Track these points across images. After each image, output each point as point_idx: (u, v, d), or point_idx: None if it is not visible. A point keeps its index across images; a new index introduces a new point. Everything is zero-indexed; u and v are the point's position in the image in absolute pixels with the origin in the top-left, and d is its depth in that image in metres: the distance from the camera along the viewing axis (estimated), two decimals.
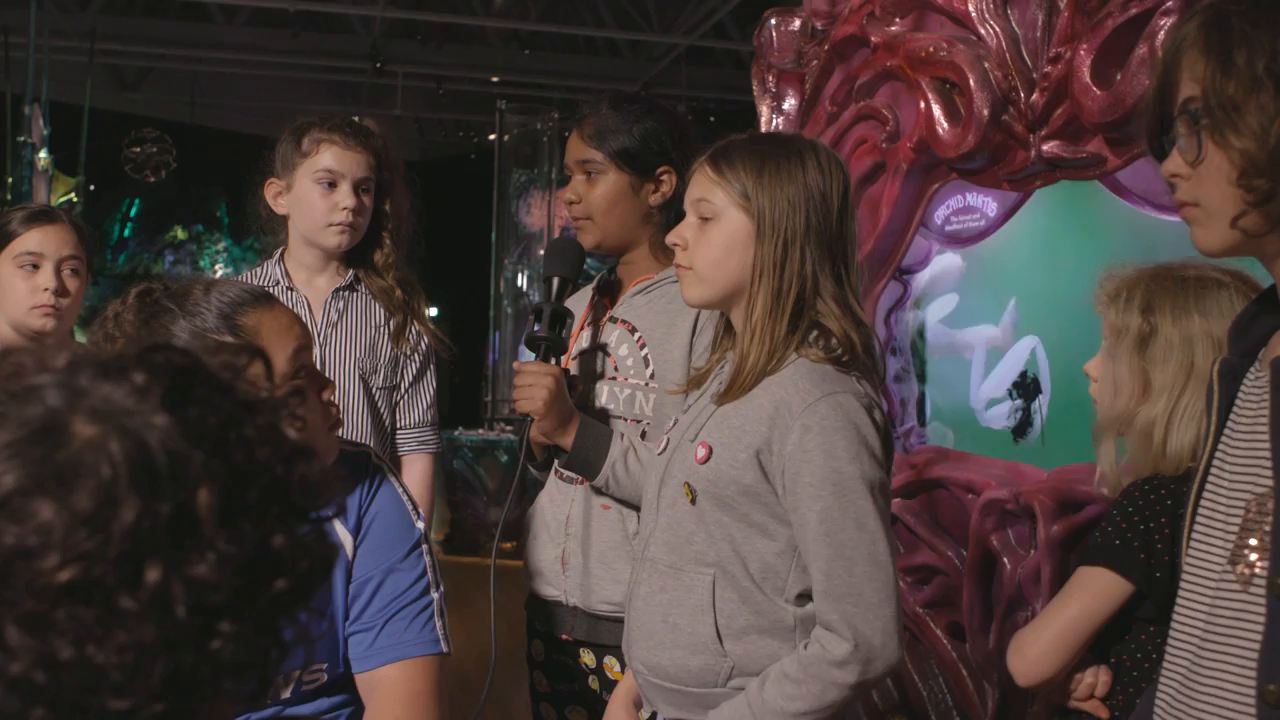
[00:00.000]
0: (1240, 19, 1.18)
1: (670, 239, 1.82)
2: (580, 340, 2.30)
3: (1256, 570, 1.20)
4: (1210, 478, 1.29)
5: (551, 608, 2.25)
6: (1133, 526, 1.74)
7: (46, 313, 2.51)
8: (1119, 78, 2.33)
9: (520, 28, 10.21)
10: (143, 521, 0.71)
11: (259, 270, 2.66)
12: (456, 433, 8.25)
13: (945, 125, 2.70)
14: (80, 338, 3.03)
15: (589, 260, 2.42)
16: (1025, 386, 2.96)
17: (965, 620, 2.71)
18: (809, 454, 1.64)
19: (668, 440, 1.85)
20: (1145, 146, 1.31)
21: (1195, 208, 1.24)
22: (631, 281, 2.28)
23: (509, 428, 8.82)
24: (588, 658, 2.22)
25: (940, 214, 3.02)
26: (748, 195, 1.73)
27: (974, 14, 2.67)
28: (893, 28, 2.90)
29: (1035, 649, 1.79)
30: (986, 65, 2.61)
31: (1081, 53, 2.40)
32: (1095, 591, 1.76)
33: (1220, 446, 1.29)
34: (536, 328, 2.16)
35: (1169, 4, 2.25)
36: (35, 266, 2.48)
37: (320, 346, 2.52)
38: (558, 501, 2.25)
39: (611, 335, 2.25)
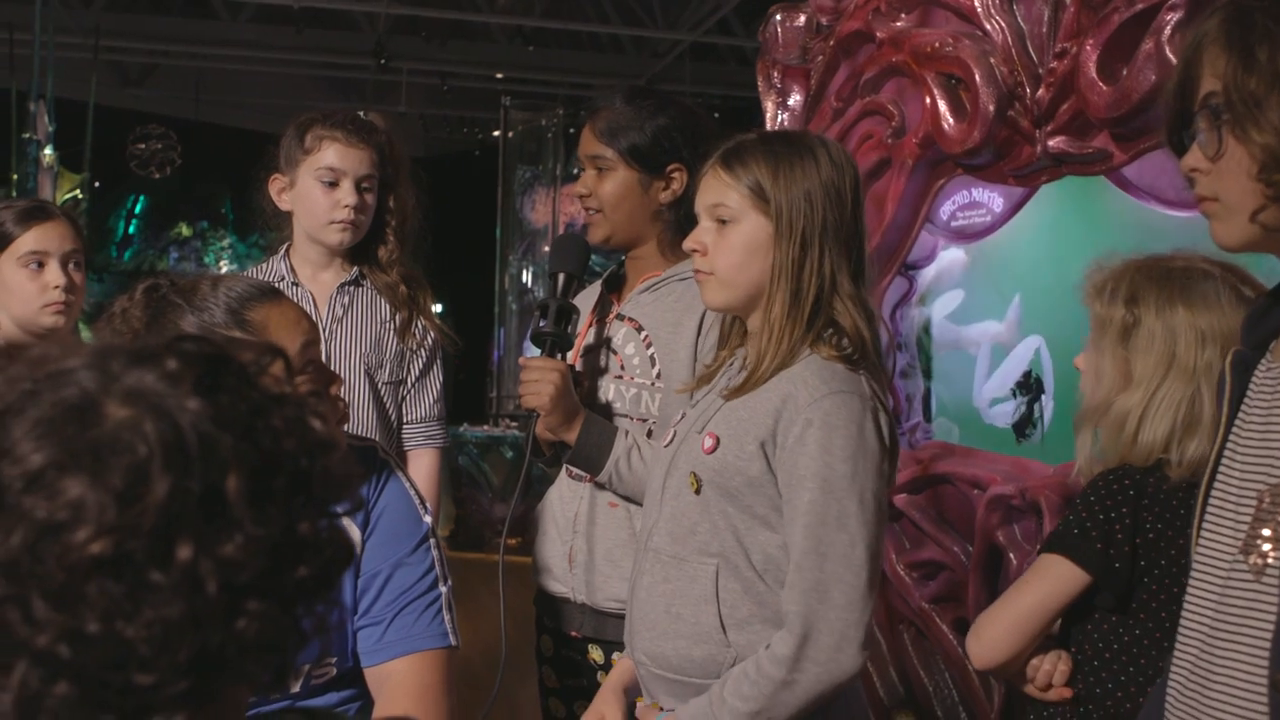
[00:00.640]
0: (1263, 14, 1.19)
1: (688, 245, 1.81)
2: (586, 337, 2.30)
3: (1270, 560, 1.21)
4: (1221, 469, 1.30)
5: (559, 604, 2.26)
6: (1093, 516, 1.74)
7: (58, 310, 2.51)
8: (1125, 73, 2.32)
9: (524, 24, 10.20)
10: (174, 499, 0.72)
11: (264, 266, 2.67)
12: (461, 429, 8.25)
13: (951, 120, 2.70)
14: (85, 335, 3.03)
15: (593, 258, 2.42)
16: (1029, 386, 2.96)
17: (971, 615, 2.71)
18: (806, 447, 1.65)
19: (674, 432, 1.86)
20: (1165, 141, 1.31)
21: (1215, 203, 1.25)
22: (639, 277, 2.28)
23: (514, 424, 8.82)
24: (596, 654, 2.22)
25: (946, 209, 3.01)
26: (765, 196, 1.72)
27: (979, 9, 2.66)
28: (898, 23, 2.90)
29: (990, 633, 1.80)
30: (992, 60, 2.61)
31: (1087, 48, 2.40)
32: (1052, 580, 1.77)
33: (1231, 438, 1.29)
34: (543, 323, 2.17)
35: None
36: (40, 265, 2.48)
37: (326, 342, 2.52)
38: (567, 499, 2.25)
39: (618, 333, 2.25)
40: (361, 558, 1.69)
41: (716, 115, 10.29)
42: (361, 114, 2.70)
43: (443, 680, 1.67)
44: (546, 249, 9.39)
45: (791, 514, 1.66)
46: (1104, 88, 2.36)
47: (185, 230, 13.05)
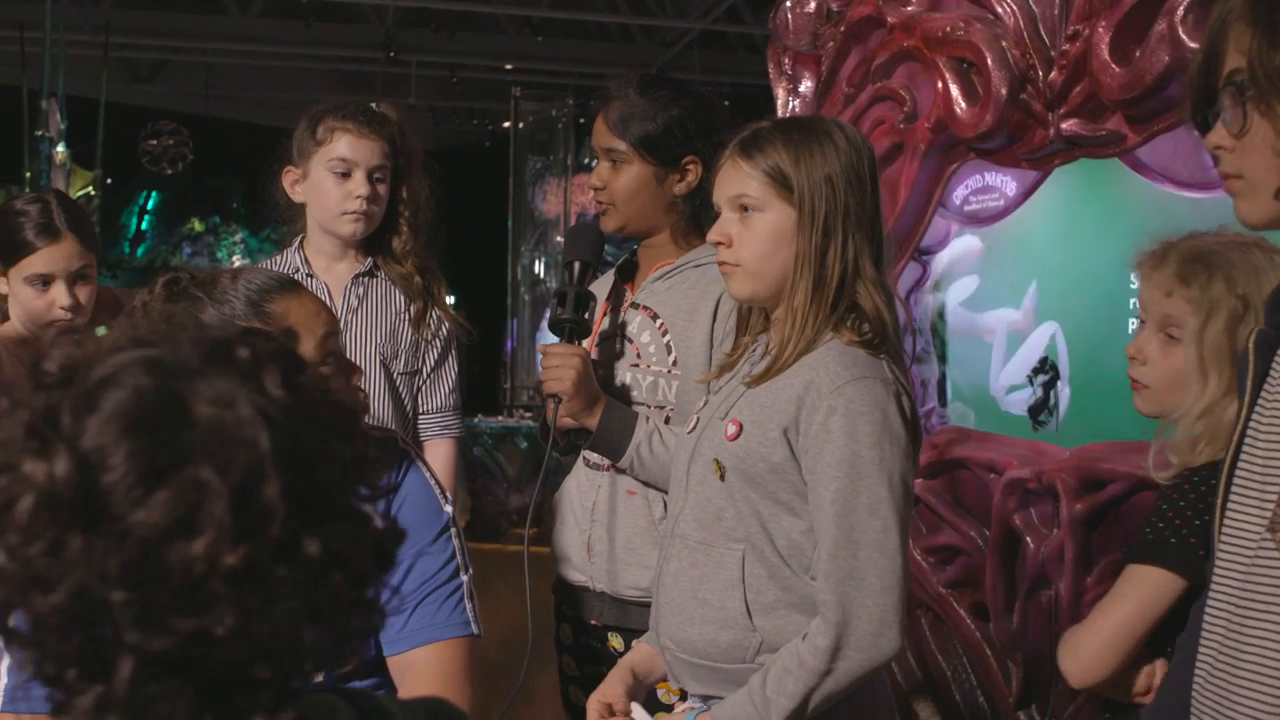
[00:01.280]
0: None
1: (712, 238, 1.79)
2: (601, 325, 2.31)
3: None
4: (1245, 448, 1.29)
5: (579, 593, 2.26)
6: (1186, 522, 1.66)
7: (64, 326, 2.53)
8: (1138, 54, 2.32)
9: (533, 14, 10.19)
10: (288, 496, 0.72)
11: (279, 258, 2.68)
12: (476, 420, 8.27)
13: (963, 105, 2.69)
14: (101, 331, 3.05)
15: (607, 248, 2.42)
16: (1045, 373, 2.96)
17: (988, 600, 2.71)
18: (831, 435, 1.64)
19: (697, 419, 1.86)
20: (1189, 119, 1.31)
21: (1239, 180, 1.24)
22: (652, 266, 2.28)
23: (528, 414, 8.84)
24: (616, 641, 2.23)
25: (959, 194, 3.01)
26: (788, 183, 1.70)
27: None
28: (909, 8, 2.89)
29: (1090, 650, 1.72)
30: (1004, 44, 2.61)
31: (1100, 30, 2.40)
32: (1147, 590, 1.68)
33: (1254, 417, 1.29)
34: (560, 311, 2.17)
35: None
36: (47, 284, 2.51)
37: (342, 332, 2.53)
38: (585, 488, 2.26)
39: (633, 321, 2.25)
40: None
41: (727, 103, 10.29)
42: (373, 105, 2.71)
43: (465, 669, 1.68)
44: (559, 239, 9.40)
45: (819, 502, 1.65)
46: (1117, 69, 2.35)
47: (198, 225, 13.10)
